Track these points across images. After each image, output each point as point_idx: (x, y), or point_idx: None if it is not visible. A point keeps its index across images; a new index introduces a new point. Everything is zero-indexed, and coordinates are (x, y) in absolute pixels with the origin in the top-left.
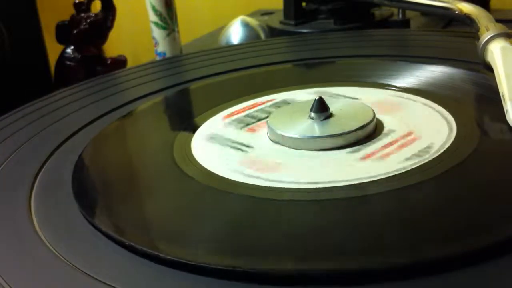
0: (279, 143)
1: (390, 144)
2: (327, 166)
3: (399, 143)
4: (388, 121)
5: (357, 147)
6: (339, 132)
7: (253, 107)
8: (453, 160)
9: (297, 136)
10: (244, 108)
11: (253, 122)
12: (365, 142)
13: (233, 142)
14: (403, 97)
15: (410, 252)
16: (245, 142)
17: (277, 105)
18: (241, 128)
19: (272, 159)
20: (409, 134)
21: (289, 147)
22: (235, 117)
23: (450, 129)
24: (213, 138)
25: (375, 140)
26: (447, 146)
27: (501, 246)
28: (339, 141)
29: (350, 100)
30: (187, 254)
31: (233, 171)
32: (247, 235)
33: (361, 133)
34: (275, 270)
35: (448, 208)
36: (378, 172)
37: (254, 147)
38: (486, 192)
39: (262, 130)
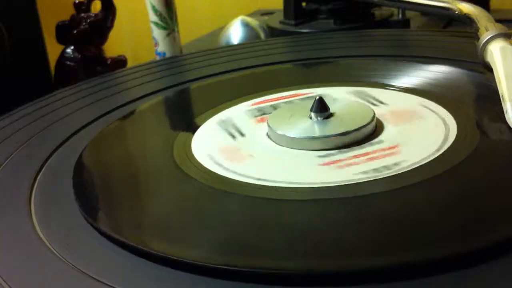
0: (278, 143)
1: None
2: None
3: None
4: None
5: (357, 146)
6: (339, 132)
7: (284, 98)
8: (452, 160)
9: (295, 136)
10: (277, 98)
11: (269, 113)
12: (365, 142)
13: (233, 127)
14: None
15: (410, 253)
16: (243, 130)
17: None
18: (254, 116)
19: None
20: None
21: (288, 146)
22: (261, 105)
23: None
24: (223, 121)
25: (375, 140)
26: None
27: (501, 246)
28: (339, 141)
29: (350, 100)
30: (187, 254)
31: (206, 155)
32: (247, 235)
33: (361, 133)
34: (275, 270)
35: (448, 208)
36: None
37: (246, 137)
38: (486, 192)
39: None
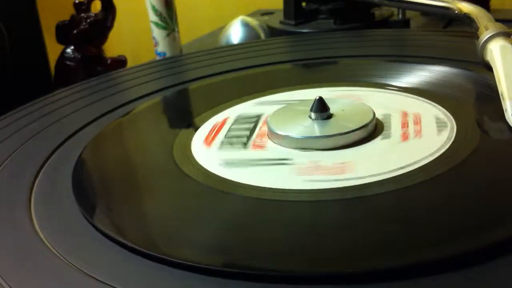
0: (278, 144)
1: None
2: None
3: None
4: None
5: (357, 147)
6: (339, 132)
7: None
8: (452, 160)
9: (296, 136)
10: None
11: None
12: (365, 142)
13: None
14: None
15: (410, 253)
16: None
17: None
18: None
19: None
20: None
21: (288, 147)
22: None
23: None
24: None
25: (375, 140)
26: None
27: (501, 246)
28: (339, 141)
29: (350, 100)
30: (187, 254)
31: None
32: (246, 235)
33: (361, 133)
34: (274, 270)
35: (448, 208)
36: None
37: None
38: (486, 192)
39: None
